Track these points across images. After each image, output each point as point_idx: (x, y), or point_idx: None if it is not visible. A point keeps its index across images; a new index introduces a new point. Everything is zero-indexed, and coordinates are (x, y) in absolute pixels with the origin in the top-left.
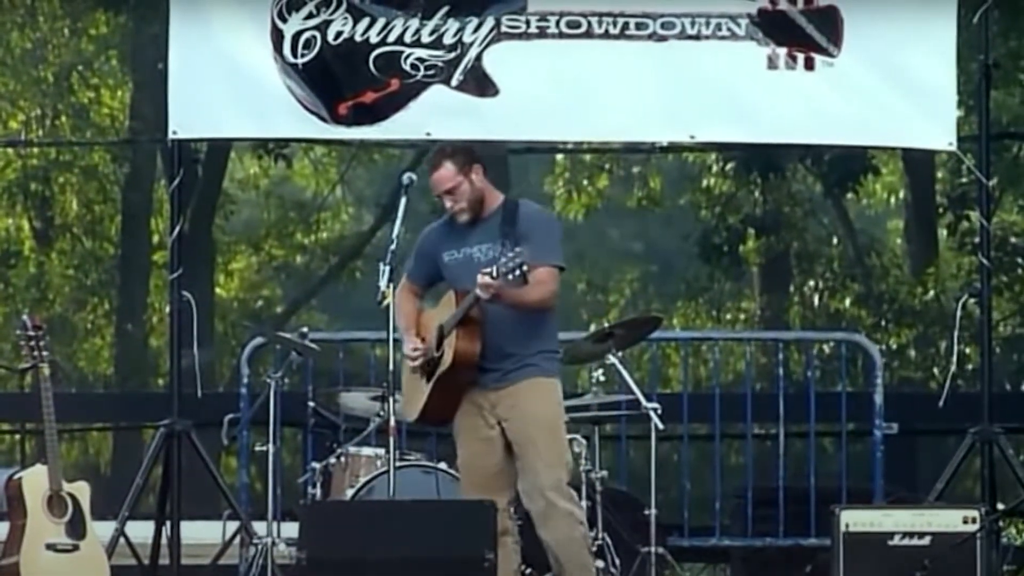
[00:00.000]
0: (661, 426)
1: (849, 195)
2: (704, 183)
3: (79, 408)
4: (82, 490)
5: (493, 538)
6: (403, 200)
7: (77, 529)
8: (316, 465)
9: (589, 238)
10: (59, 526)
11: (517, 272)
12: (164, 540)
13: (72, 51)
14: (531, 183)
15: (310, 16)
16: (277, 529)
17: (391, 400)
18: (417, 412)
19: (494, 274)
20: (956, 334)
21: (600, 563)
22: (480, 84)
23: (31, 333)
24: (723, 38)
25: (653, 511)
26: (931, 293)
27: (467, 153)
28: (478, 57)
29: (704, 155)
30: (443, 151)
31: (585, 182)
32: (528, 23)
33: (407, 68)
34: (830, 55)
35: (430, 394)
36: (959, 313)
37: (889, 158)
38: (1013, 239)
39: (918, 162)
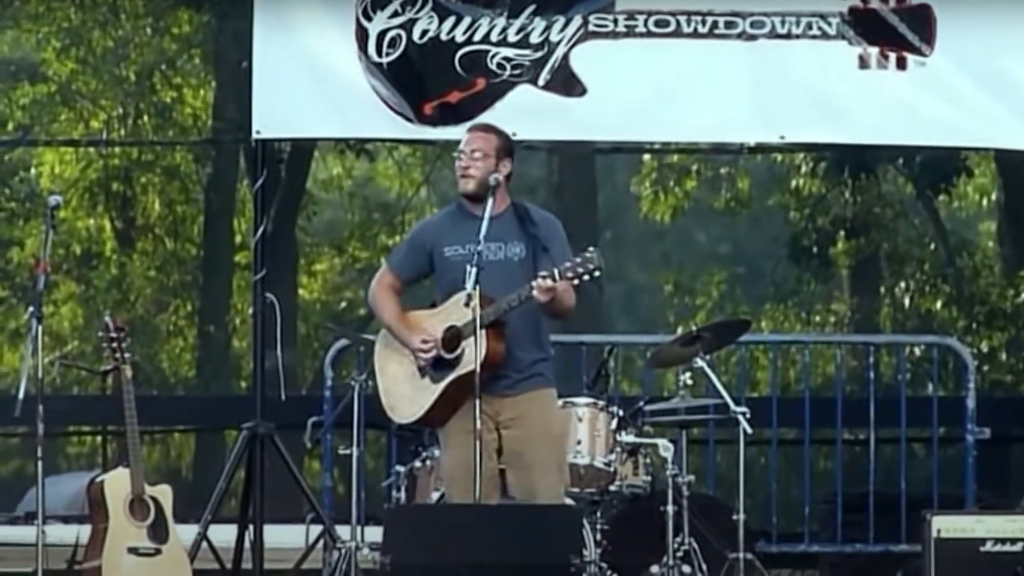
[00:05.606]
0: (750, 430)
1: (941, 197)
2: (793, 184)
3: (161, 410)
4: (164, 493)
5: (579, 543)
6: (489, 202)
7: (159, 533)
8: (400, 468)
9: (676, 240)
10: (141, 530)
11: (589, 277)
12: (247, 544)
13: (155, 50)
14: (617, 184)
15: (395, 15)
16: (361, 533)
17: (477, 401)
18: (421, 412)
19: (559, 275)
20: None
21: (687, 568)
22: (567, 84)
23: (113, 335)
24: (814, 37)
25: (741, 516)
26: (1023, 296)
27: (510, 149)
28: (565, 56)
29: (793, 156)
30: (499, 129)
31: (672, 183)
32: (616, 22)
33: (493, 67)
34: (923, 55)
35: (441, 394)
36: None
37: (982, 159)
38: None
39: (1011, 163)
